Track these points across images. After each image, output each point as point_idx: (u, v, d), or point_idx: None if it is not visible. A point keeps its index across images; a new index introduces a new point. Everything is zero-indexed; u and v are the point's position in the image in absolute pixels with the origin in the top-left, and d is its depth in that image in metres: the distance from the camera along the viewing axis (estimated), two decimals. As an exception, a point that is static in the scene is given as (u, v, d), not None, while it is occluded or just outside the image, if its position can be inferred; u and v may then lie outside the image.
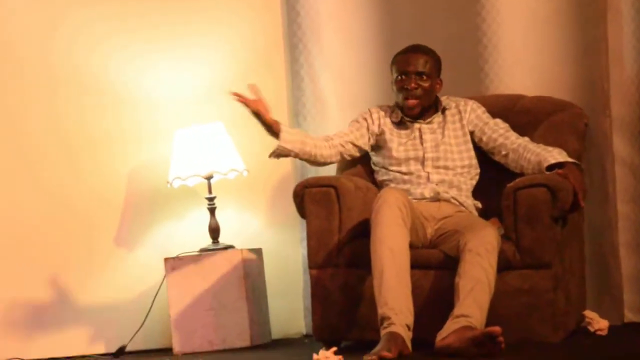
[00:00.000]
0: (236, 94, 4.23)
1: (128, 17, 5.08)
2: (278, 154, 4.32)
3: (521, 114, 4.47)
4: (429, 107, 4.37)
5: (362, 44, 4.91)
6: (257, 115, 4.25)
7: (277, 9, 5.03)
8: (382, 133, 4.40)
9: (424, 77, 4.30)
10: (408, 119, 4.38)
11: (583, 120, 4.43)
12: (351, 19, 4.92)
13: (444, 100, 4.41)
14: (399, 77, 4.32)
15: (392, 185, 4.32)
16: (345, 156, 4.43)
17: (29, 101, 5.11)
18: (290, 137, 4.29)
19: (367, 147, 4.43)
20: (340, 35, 4.93)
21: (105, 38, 5.09)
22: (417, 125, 4.37)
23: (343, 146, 4.40)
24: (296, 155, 4.34)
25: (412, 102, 4.32)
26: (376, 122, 4.41)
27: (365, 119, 4.42)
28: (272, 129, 4.29)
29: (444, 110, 4.38)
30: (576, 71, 4.60)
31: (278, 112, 5.01)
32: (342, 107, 4.92)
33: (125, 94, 5.10)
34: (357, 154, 4.44)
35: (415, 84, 4.30)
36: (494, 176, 4.32)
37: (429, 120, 4.38)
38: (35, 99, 5.11)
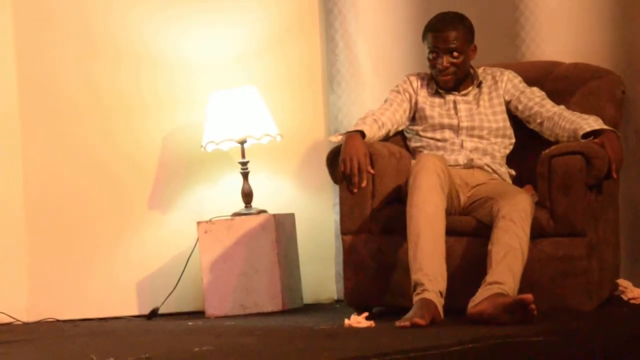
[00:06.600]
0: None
1: (163, -20, 5.09)
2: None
3: (558, 81, 4.43)
4: (465, 77, 4.33)
5: (397, 8, 4.88)
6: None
7: (312, -28, 5.02)
8: (417, 101, 4.37)
9: (456, 54, 4.24)
10: (443, 91, 4.35)
11: (620, 88, 4.38)
12: (387, -17, 4.89)
13: (480, 72, 4.35)
14: (431, 55, 4.27)
15: (426, 151, 4.30)
16: (394, 131, 4.38)
17: (65, 64, 5.12)
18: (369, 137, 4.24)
19: (409, 120, 4.40)
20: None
21: (141, 1, 5.08)
22: (451, 97, 4.34)
23: (392, 125, 4.33)
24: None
25: (445, 78, 4.27)
26: (416, 92, 4.37)
27: (407, 91, 4.38)
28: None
29: (480, 84, 4.34)
30: (614, 38, 4.55)
31: (313, 77, 5.04)
32: (376, 72, 4.90)
33: (159, 57, 5.10)
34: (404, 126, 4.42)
35: (447, 63, 4.24)
36: (528, 144, 4.29)
37: (464, 92, 4.34)
38: (71, 61, 5.11)
